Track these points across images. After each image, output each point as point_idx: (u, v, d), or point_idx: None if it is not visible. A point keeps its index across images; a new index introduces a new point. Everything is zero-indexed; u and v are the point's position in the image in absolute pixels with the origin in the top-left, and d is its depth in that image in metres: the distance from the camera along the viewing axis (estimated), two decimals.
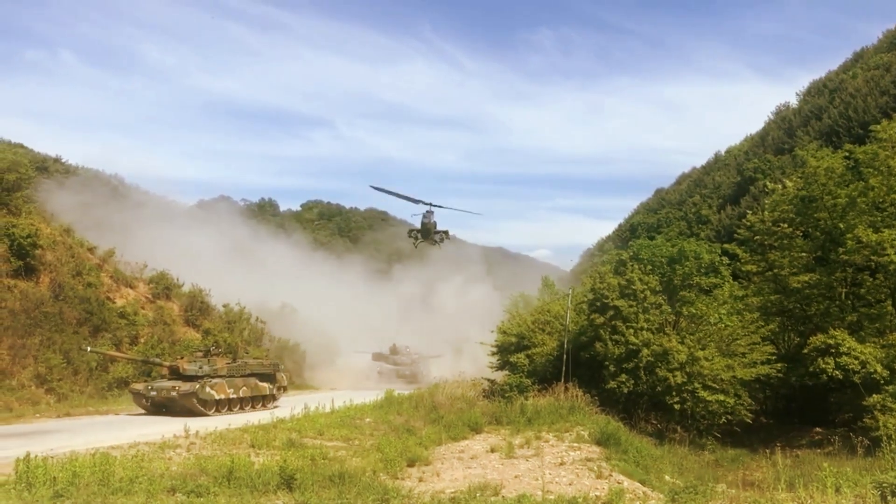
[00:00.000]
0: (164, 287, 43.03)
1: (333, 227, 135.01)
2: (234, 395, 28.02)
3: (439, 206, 33.48)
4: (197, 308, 43.26)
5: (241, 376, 28.88)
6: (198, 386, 26.18)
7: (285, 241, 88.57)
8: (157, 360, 30.28)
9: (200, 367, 27.16)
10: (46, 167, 60.51)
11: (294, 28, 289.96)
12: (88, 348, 28.90)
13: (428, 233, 33.40)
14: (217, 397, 26.93)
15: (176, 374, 27.26)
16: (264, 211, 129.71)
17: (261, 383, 29.88)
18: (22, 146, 59.98)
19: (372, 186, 40.62)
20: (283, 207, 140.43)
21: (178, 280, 44.25)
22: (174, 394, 25.80)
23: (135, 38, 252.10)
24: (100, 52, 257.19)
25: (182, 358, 28.69)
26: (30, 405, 26.98)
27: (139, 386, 27.15)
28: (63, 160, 69.01)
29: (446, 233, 34.20)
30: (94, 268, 38.51)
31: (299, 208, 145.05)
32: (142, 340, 36.41)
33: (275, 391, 30.98)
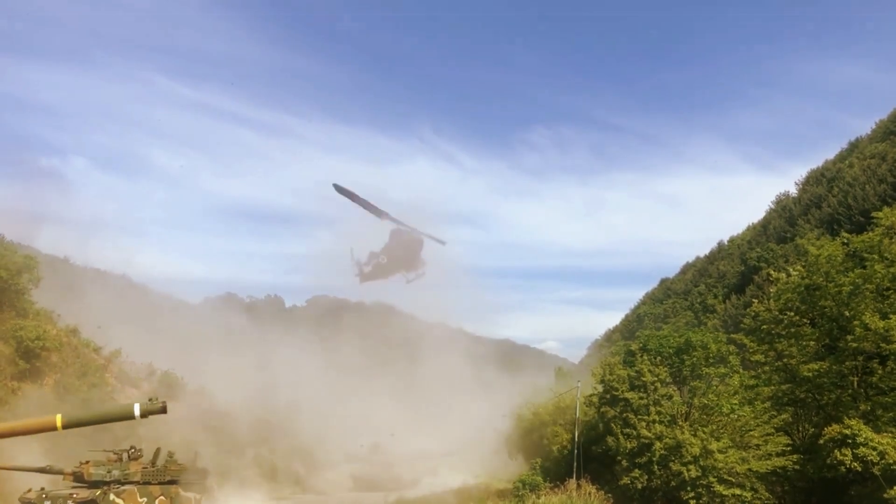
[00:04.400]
0: (167, 386, 42.73)
1: (339, 321, 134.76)
2: None
3: (402, 224, 29.12)
4: (203, 406, 42.80)
5: (160, 483, 26.15)
6: (99, 493, 23.27)
7: (290, 337, 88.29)
8: (59, 467, 27.31)
9: (109, 472, 24.28)
10: (55, 268, 61.14)
11: (301, 132, 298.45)
12: None
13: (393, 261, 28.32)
14: None
15: (80, 480, 24.23)
16: (270, 307, 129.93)
17: (184, 493, 27.00)
18: (31, 248, 60.85)
19: (335, 186, 32.49)
20: (288, 304, 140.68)
21: (181, 378, 43.97)
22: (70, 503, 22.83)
23: (145, 143, 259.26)
24: (111, 158, 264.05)
25: (87, 462, 25.36)
26: None
27: (31, 495, 23.64)
28: (71, 261, 69.78)
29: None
30: (99, 368, 38.39)
31: (304, 304, 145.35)
32: (143, 445, 35.78)
33: (200, 502, 28.09)
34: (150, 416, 8.77)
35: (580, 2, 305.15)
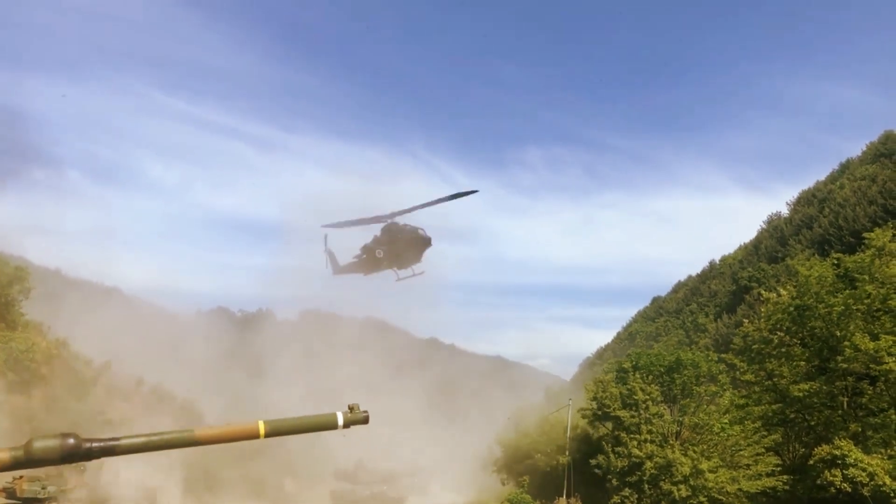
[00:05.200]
0: (158, 399, 42.48)
1: (331, 335, 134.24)
2: None
3: (405, 222, 25.96)
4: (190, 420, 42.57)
5: None
6: None
7: (281, 350, 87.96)
8: None
9: (44, 488, 23.36)
10: (47, 280, 60.89)
11: (294, 147, 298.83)
12: None
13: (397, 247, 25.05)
14: None
15: (12, 496, 23.38)
16: (262, 320, 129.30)
17: None
18: (22, 259, 60.59)
19: (324, 226, 28.51)
20: (280, 317, 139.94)
21: (171, 392, 43.74)
22: None
23: (139, 156, 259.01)
24: (105, 170, 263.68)
25: (21, 478, 23.99)
26: None
27: None
28: (63, 273, 69.58)
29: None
30: (89, 381, 38.14)
31: (297, 318, 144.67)
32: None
33: None
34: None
35: (575, 24, 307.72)
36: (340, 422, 8.27)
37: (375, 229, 26.12)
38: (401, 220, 26.14)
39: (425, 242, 25.64)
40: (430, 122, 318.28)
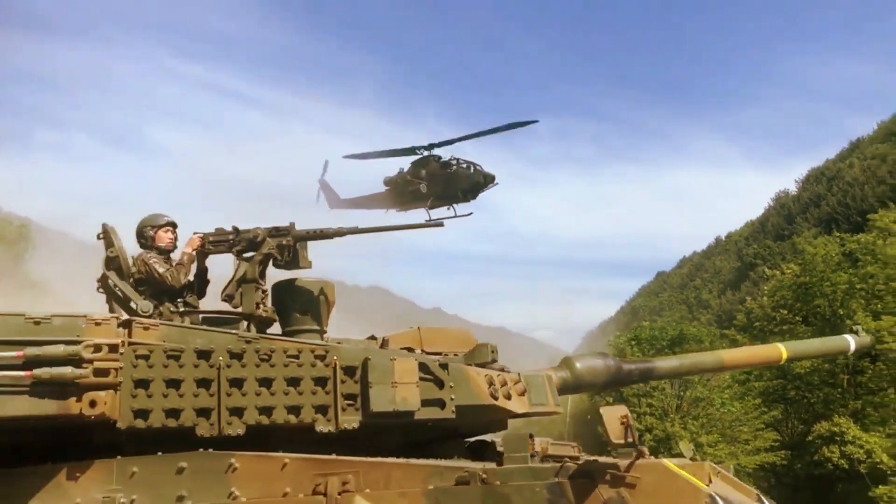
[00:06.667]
0: None
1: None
2: None
3: (442, 144, 21.23)
4: None
5: None
6: None
7: None
8: None
9: None
10: (53, 241, 61.01)
11: (305, 113, 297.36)
12: None
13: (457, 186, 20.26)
14: None
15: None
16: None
17: None
18: (27, 219, 60.71)
19: (346, 157, 24.96)
20: None
21: None
22: None
23: (147, 119, 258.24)
24: (112, 134, 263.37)
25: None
26: None
27: None
28: (69, 235, 69.66)
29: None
30: None
31: None
32: None
33: None
34: None
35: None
36: (852, 346, 8.09)
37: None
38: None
39: (487, 178, 20.78)
40: (441, 93, 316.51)
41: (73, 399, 3.79)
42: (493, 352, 5.25)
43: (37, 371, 3.71)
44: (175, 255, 5.50)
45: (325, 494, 3.94)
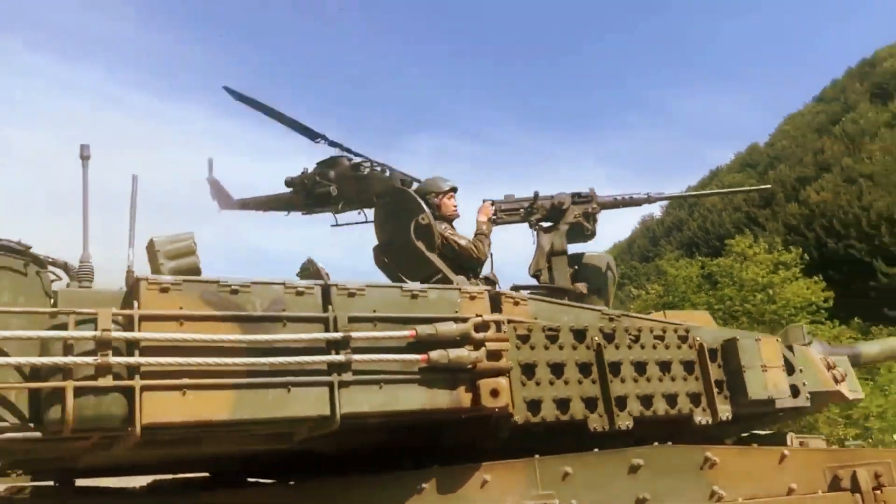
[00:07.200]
0: None
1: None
2: None
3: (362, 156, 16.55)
4: None
5: None
6: None
7: None
8: None
9: None
10: None
11: (175, 114, 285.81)
12: None
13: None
14: None
15: None
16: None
17: None
18: None
19: (225, 88, 17.48)
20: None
21: None
22: None
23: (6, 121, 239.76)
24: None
25: None
26: None
27: None
28: None
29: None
30: None
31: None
32: None
33: None
34: None
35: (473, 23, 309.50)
36: None
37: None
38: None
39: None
40: (326, 107, 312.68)
41: (463, 388, 3.21)
42: (808, 333, 4.86)
43: (433, 354, 3.14)
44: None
45: (857, 491, 3.53)
